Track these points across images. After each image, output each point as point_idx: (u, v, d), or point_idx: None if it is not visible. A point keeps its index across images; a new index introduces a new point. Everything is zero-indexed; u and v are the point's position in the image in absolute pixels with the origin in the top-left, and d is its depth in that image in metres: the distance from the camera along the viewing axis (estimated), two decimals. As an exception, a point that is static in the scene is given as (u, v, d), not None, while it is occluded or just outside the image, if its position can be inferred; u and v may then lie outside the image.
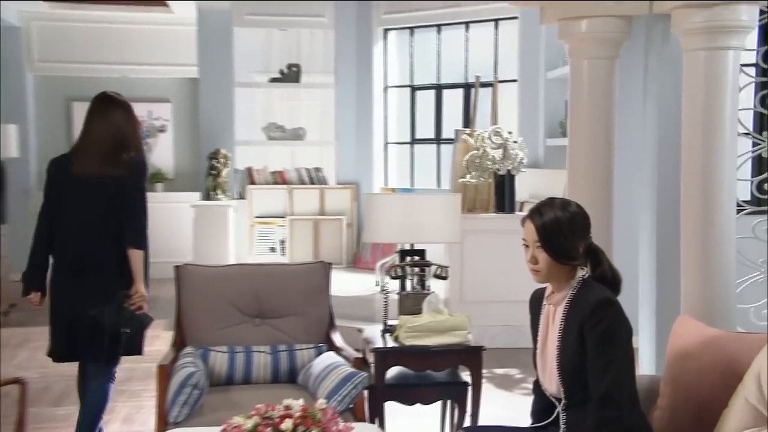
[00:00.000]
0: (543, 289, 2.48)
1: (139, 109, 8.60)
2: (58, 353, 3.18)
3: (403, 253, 3.41)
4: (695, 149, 3.37)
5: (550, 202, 2.37)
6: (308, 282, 3.41)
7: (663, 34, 3.85)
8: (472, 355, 3.14)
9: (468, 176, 5.58)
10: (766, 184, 3.90)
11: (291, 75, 7.60)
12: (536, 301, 2.50)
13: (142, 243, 3.09)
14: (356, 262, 7.22)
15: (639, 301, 4.06)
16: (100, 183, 3.08)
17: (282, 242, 7.35)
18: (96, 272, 3.07)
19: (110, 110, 3.15)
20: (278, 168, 7.62)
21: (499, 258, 5.60)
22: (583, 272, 2.36)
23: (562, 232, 2.31)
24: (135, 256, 3.08)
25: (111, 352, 3.13)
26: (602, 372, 2.21)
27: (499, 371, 5.00)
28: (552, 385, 2.34)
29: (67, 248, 3.11)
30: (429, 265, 3.34)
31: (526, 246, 2.37)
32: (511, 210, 5.69)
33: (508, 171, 5.58)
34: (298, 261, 7.03)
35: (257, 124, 7.97)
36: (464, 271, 5.60)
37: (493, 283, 5.60)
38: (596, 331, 2.23)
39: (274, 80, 7.66)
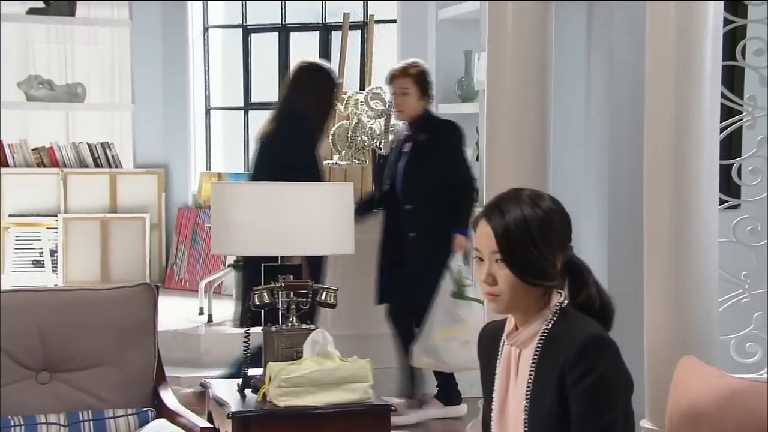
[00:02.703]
0: (500, 324, 2.42)
1: None
2: None
3: (268, 271, 3.32)
4: (663, 121, 3.44)
5: (515, 194, 2.32)
6: (125, 314, 3.30)
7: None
8: (377, 418, 3.15)
9: (335, 157, 5.54)
10: (750, 167, 4.01)
11: (61, 5, 7.47)
12: (490, 341, 2.43)
13: None
14: (167, 280, 7.26)
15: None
16: None
17: (53, 253, 7.21)
18: None
19: None
20: (44, 143, 7.46)
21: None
22: (560, 298, 2.32)
23: (533, 239, 2.25)
24: None
25: None
26: None
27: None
28: (518, 465, 2.29)
29: None
30: (310, 287, 3.30)
31: (480, 259, 2.31)
32: None
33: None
34: (87, 280, 6.67)
35: (10, 77, 7.59)
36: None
37: (373, 307, 5.54)
38: (585, 384, 2.19)
39: (34, 11, 7.47)
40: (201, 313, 5.80)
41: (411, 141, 4.95)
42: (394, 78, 5.00)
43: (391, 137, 5.53)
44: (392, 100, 5.08)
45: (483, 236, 2.28)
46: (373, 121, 5.55)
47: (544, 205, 2.29)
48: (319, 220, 3.28)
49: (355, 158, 5.54)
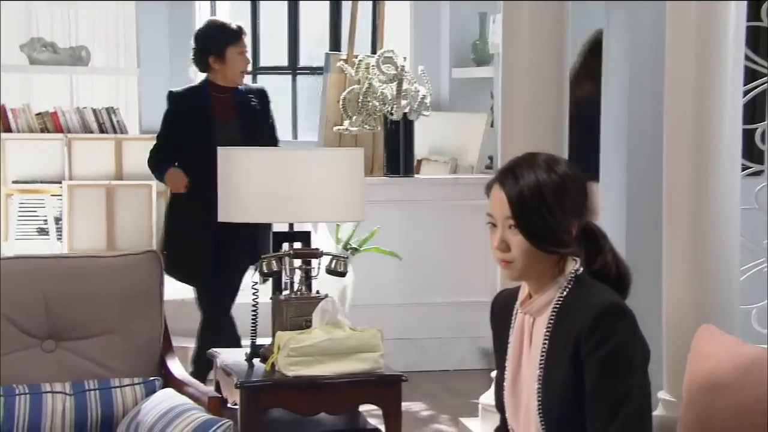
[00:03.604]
0: (513, 292, 2.43)
1: None
2: None
3: (277, 238, 3.38)
4: (684, 84, 3.44)
5: (530, 159, 2.32)
6: (130, 282, 3.32)
7: None
8: (387, 389, 3.19)
9: (346, 123, 5.55)
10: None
11: None
12: (503, 309, 2.44)
13: None
14: (173, 249, 7.08)
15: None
16: None
17: (57, 221, 7.14)
18: None
19: None
20: (48, 108, 7.33)
21: (390, 242, 5.61)
22: (575, 265, 2.32)
23: (547, 205, 2.25)
24: None
25: None
26: (609, 415, 2.18)
27: (397, 406, 4.97)
28: (530, 434, 2.30)
29: None
30: (319, 255, 3.28)
31: (493, 225, 2.31)
32: (409, 171, 5.77)
33: (405, 115, 5.57)
34: (93, 249, 6.68)
35: (12, 39, 7.53)
36: (341, 261, 5.54)
37: (382, 277, 5.60)
38: (600, 354, 2.20)
39: None
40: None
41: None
42: (244, 33, 4.78)
43: (403, 102, 5.52)
44: (229, 60, 4.70)
45: (496, 201, 2.28)
46: (385, 85, 5.54)
47: (559, 169, 2.29)
48: (328, 186, 3.29)
49: (365, 124, 5.53)
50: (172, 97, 4.81)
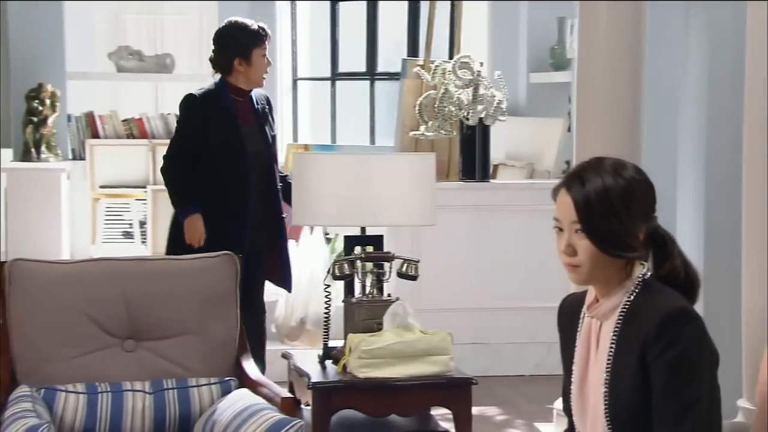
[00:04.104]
0: (580, 296, 2.44)
1: None
2: None
3: (349, 241, 3.35)
4: (765, 87, 3.37)
5: (597, 163, 2.33)
6: (208, 284, 3.38)
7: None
8: (457, 392, 3.21)
9: (422, 128, 5.57)
10: None
11: None
12: (570, 313, 2.45)
13: None
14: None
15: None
16: None
17: (142, 224, 7.23)
18: None
19: None
20: (134, 114, 7.44)
21: (467, 246, 5.62)
22: (643, 269, 2.32)
23: (614, 209, 2.26)
24: None
25: None
26: (676, 420, 2.18)
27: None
28: (597, 437, 2.30)
29: None
30: (391, 259, 3.31)
31: (560, 229, 2.32)
32: (484, 177, 5.74)
33: (481, 120, 5.57)
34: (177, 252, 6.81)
35: (101, 48, 7.71)
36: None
37: (458, 282, 5.62)
38: (666, 359, 2.19)
39: None
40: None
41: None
42: (267, 38, 4.59)
43: (479, 107, 5.52)
44: (254, 62, 4.53)
45: (563, 206, 2.29)
46: (461, 91, 5.55)
47: (626, 174, 2.29)
48: (400, 191, 3.31)
49: (442, 129, 5.55)
50: (194, 100, 4.54)
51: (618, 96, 3.95)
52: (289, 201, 4.30)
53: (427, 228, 5.56)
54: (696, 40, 4.20)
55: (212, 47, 4.60)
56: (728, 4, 4.01)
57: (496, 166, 6.12)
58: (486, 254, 5.60)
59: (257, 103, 4.56)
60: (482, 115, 5.56)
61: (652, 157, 4.18)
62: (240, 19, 4.61)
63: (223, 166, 4.40)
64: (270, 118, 4.61)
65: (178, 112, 4.62)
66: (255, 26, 4.56)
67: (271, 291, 4.65)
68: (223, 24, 4.63)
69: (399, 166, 3.38)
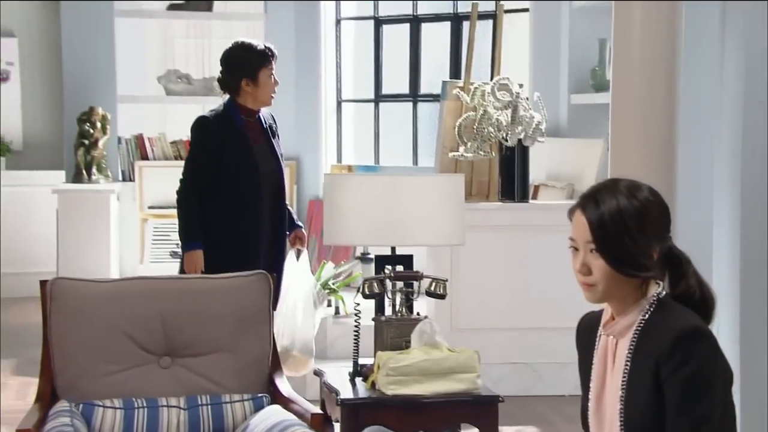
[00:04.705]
0: (598, 314, 2.46)
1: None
2: None
3: (380, 261, 3.39)
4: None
5: (612, 184, 2.37)
6: (241, 303, 3.42)
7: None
8: (484, 409, 3.20)
9: (461, 149, 5.59)
10: None
11: (199, 1, 7.58)
12: (588, 331, 2.48)
13: None
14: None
15: (715, 323, 4.06)
16: None
17: None
18: None
19: None
20: (182, 136, 7.55)
21: (505, 266, 5.63)
22: (658, 288, 2.34)
23: (628, 230, 2.29)
24: None
25: None
26: None
27: (509, 430, 4.98)
28: (613, 453, 2.32)
29: None
30: (419, 278, 3.34)
31: (575, 249, 2.36)
32: (524, 197, 5.74)
33: (520, 141, 5.59)
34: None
35: (150, 71, 7.90)
36: (455, 284, 5.57)
37: (498, 302, 5.63)
38: (680, 376, 2.22)
39: (174, 7, 7.64)
40: (329, 305, 5.95)
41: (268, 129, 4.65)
42: (275, 56, 4.58)
43: (518, 128, 5.55)
44: (261, 83, 4.53)
45: (578, 226, 2.33)
46: (500, 112, 5.57)
47: (640, 195, 2.32)
48: (429, 211, 3.33)
49: (480, 150, 5.57)
50: (207, 122, 4.53)
51: (653, 117, 3.94)
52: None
53: (467, 248, 5.59)
54: (732, 60, 4.20)
55: (219, 68, 4.63)
56: (764, 23, 4.02)
57: (536, 187, 6.14)
58: (526, 274, 5.61)
59: (265, 122, 4.61)
60: (521, 137, 5.57)
61: (687, 178, 4.18)
62: (246, 40, 4.64)
63: (236, 186, 4.45)
64: (277, 137, 4.65)
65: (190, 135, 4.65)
66: (261, 46, 4.57)
67: None
68: (230, 45, 4.65)
69: (428, 186, 3.40)
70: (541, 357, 5.62)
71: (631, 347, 2.32)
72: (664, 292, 2.34)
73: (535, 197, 6.01)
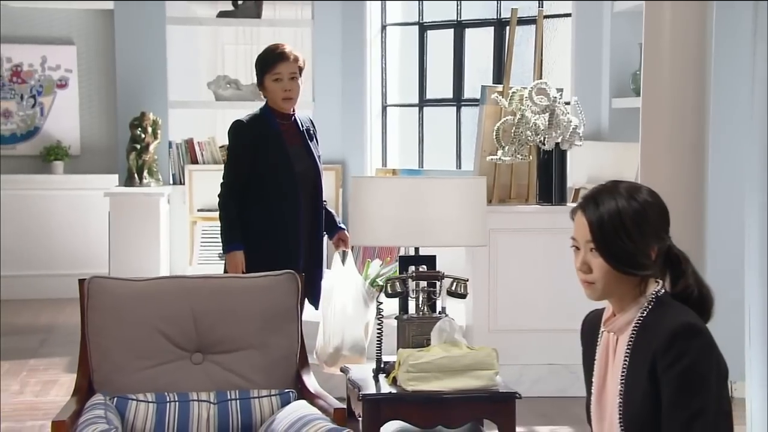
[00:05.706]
0: (601, 312, 2.53)
1: (29, 54, 8.67)
2: None
3: (404, 261, 3.47)
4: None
5: (612, 187, 2.43)
6: (270, 301, 3.48)
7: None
8: (501, 406, 3.23)
9: (500, 152, 5.62)
10: None
11: (248, 8, 7.69)
12: (591, 328, 2.56)
13: None
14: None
15: (746, 330, 4.07)
16: None
17: None
18: None
19: None
20: None
21: (543, 268, 5.65)
22: (657, 286, 2.40)
23: (626, 230, 2.36)
24: None
25: None
26: (684, 430, 2.26)
27: (544, 430, 5.03)
28: (612, 445, 2.38)
29: None
30: (441, 278, 3.40)
31: (576, 248, 2.43)
32: (562, 200, 5.74)
33: (557, 145, 5.62)
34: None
35: (201, 77, 8.06)
36: (493, 286, 5.63)
37: (535, 303, 5.65)
38: (675, 371, 2.27)
39: (224, 14, 7.74)
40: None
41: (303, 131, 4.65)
42: (284, 59, 4.55)
43: (555, 132, 5.59)
44: (268, 88, 4.58)
45: (579, 226, 2.41)
46: (538, 116, 5.61)
47: (640, 197, 2.39)
48: (452, 213, 3.38)
49: (518, 153, 5.62)
50: (242, 125, 4.58)
51: (683, 121, 3.97)
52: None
53: (506, 250, 5.66)
54: (762, 64, 4.22)
55: None
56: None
57: (577, 190, 6.15)
58: (563, 276, 5.60)
59: (302, 125, 4.64)
60: (558, 140, 5.61)
61: (718, 183, 4.20)
62: (273, 43, 4.69)
63: (273, 186, 4.51)
64: (315, 140, 4.69)
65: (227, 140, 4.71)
66: (277, 50, 4.57)
67: (310, 313, 4.76)
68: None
69: (451, 189, 3.44)
70: (578, 359, 5.61)
71: (630, 343, 2.38)
72: (663, 291, 2.40)
73: (575, 200, 6.04)
